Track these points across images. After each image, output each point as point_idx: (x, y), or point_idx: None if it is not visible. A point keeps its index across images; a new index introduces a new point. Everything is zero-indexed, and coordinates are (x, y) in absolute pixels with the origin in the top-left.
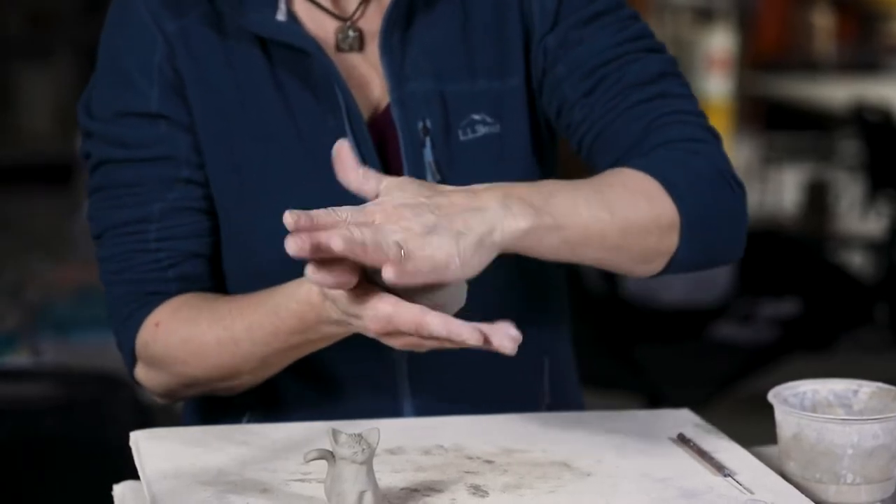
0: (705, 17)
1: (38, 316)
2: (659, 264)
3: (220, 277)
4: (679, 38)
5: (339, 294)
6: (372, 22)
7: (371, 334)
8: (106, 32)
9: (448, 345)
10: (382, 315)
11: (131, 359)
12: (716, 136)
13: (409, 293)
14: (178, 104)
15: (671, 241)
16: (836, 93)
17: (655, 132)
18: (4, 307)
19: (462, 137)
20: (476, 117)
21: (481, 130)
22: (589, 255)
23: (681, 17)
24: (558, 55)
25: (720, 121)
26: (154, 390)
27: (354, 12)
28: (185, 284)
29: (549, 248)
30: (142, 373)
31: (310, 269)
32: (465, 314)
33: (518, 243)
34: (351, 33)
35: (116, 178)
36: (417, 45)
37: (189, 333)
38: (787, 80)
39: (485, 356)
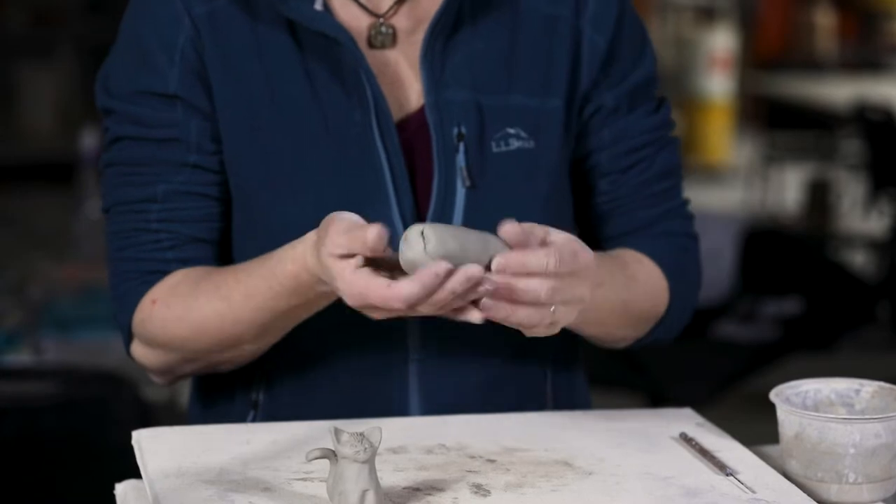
0: (707, 16)
1: (40, 314)
2: (623, 345)
3: (226, 262)
4: (681, 37)
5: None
6: (406, 20)
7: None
8: (131, 8)
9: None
10: (357, 291)
11: (128, 335)
12: (697, 236)
13: None
14: (198, 89)
15: (645, 330)
16: (838, 92)
17: (664, 222)
18: (6, 305)
19: (495, 149)
20: (511, 131)
21: (515, 144)
22: (586, 332)
23: (683, 16)
24: (608, 120)
25: (722, 120)
26: (151, 368)
27: (389, 9)
28: (185, 267)
29: (581, 322)
30: (138, 350)
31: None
32: None
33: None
34: (384, 30)
35: (127, 156)
36: (460, 54)
37: (187, 308)
38: (789, 79)
39: (491, 361)
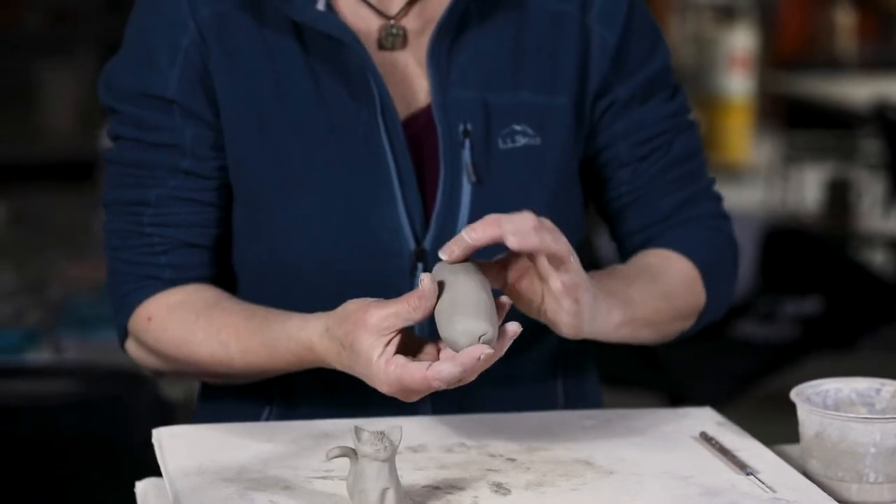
0: (727, 15)
1: (59, 313)
2: (675, 336)
3: (223, 266)
4: (701, 36)
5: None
6: (416, 21)
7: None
8: (137, 8)
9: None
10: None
11: (123, 333)
12: (728, 216)
13: None
14: (198, 94)
15: (690, 324)
16: (858, 91)
17: (689, 206)
18: (26, 304)
19: (501, 146)
20: (517, 128)
21: (521, 141)
22: (640, 338)
23: (702, 15)
24: (620, 112)
25: (741, 119)
26: (143, 366)
27: (399, 11)
28: (178, 272)
29: (620, 335)
30: (133, 348)
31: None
32: None
33: (608, 334)
34: (395, 31)
35: (125, 156)
36: (466, 53)
37: (183, 339)
38: (809, 78)
39: (499, 365)
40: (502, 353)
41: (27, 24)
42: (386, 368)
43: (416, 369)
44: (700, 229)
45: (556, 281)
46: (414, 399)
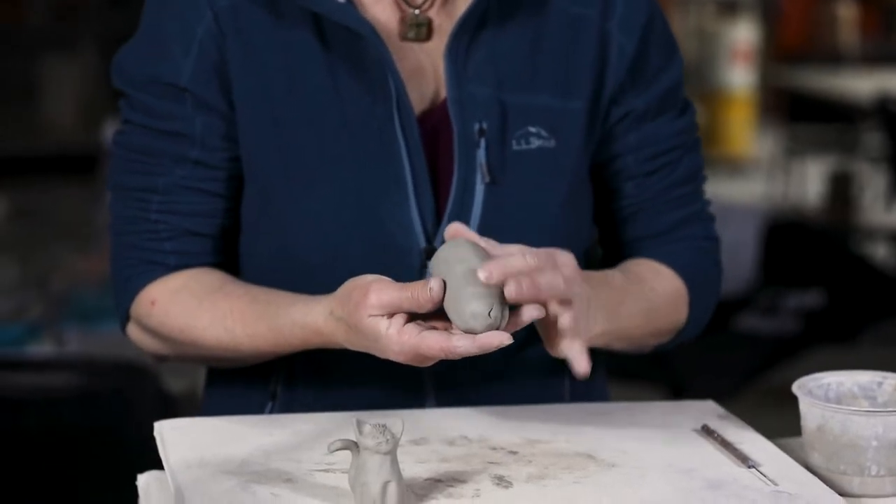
0: (729, 9)
1: (62, 306)
2: (648, 350)
3: (229, 254)
4: (703, 29)
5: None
6: (440, 14)
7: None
8: None
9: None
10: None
11: (125, 317)
12: (719, 238)
13: None
14: (212, 84)
15: (666, 339)
16: (860, 85)
17: (685, 226)
18: (29, 297)
19: (515, 147)
20: (532, 130)
21: (535, 143)
22: (614, 347)
23: (705, 8)
24: (635, 124)
25: (743, 113)
26: (145, 350)
27: (424, 2)
28: (183, 259)
29: (595, 342)
30: (135, 332)
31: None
32: None
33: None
34: (420, 21)
35: (134, 142)
36: (484, 50)
37: (186, 324)
38: (811, 71)
39: (505, 361)
40: (517, 328)
41: (30, 19)
42: (399, 339)
43: (434, 339)
44: (691, 250)
45: (565, 318)
46: (427, 364)
